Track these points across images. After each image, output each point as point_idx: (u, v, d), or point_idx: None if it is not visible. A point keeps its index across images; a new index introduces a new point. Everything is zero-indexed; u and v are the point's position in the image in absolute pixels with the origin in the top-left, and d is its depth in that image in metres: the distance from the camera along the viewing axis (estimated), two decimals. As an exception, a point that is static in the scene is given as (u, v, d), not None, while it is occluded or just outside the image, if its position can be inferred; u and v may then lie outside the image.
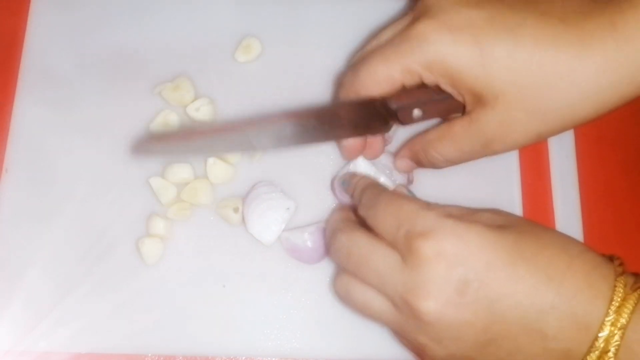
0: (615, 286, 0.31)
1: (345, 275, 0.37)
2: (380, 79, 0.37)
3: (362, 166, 0.42)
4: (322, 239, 0.43)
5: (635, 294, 0.31)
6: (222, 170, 0.45)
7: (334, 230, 0.38)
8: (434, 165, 0.41)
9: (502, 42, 0.34)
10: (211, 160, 0.45)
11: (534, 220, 0.36)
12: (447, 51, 0.35)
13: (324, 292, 0.44)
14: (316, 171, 0.46)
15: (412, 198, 0.36)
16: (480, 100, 0.36)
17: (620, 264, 0.33)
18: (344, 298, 0.38)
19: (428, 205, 0.35)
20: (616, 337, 0.31)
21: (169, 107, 0.47)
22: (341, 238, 0.37)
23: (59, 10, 0.49)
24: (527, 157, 0.48)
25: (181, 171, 0.45)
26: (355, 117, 0.40)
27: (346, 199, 0.43)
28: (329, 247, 0.39)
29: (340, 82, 0.40)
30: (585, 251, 0.34)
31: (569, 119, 0.35)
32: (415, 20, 0.36)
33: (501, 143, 0.37)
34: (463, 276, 0.32)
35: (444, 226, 0.33)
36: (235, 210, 0.44)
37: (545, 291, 0.32)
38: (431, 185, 0.46)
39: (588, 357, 0.31)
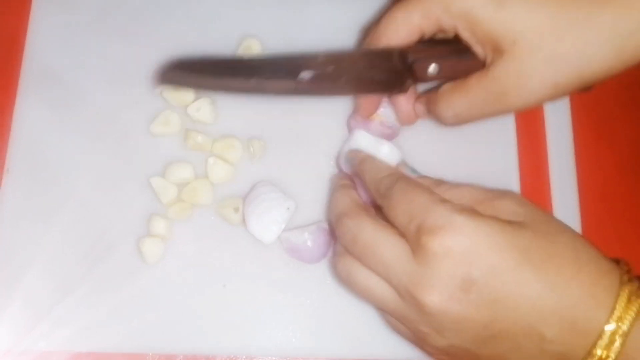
0: (619, 295, 0.32)
1: (349, 258, 0.37)
2: (399, 26, 0.37)
3: (362, 138, 0.41)
4: (322, 238, 0.43)
5: (638, 303, 0.31)
6: (223, 170, 0.45)
7: (339, 214, 0.38)
8: (441, 118, 0.40)
9: None
10: (211, 160, 0.45)
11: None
12: None
13: (324, 291, 0.44)
14: (316, 171, 0.46)
15: (427, 190, 0.35)
16: (497, 48, 0.36)
17: (628, 271, 0.33)
18: (345, 280, 0.37)
19: (442, 199, 0.34)
20: (616, 344, 0.31)
21: (169, 107, 0.47)
22: (348, 223, 0.36)
23: (60, 11, 0.49)
24: (526, 157, 0.48)
25: (181, 171, 0.45)
26: (371, 66, 0.39)
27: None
28: (335, 230, 0.38)
29: (364, 32, 0.40)
30: (595, 259, 0.33)
31: (586, 68, 0.35)
32: None
33: (516, 94, 0.36)
34: (468, 275, 0.32)
35: (454, 223, 0.32)
36: (236, 210, 0.44)
37: (548, 298, 0.32)
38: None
39: None
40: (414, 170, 0.41)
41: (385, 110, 0.44)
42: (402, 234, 0.34)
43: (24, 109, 0.47)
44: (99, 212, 0.45)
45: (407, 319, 0.35)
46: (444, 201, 0.34)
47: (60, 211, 0.45)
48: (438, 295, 0.32)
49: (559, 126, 0.49)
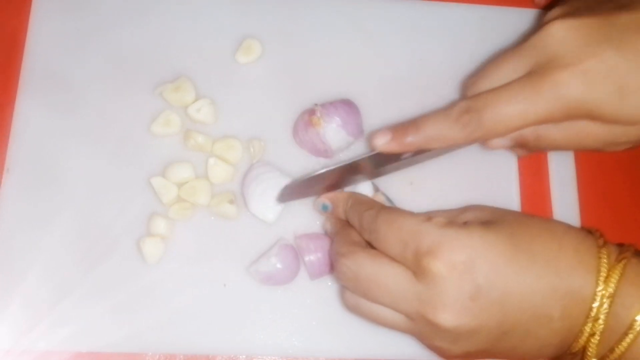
0: (599, 257, 0.34)
1: (354, 294, 0.38)
2: (509, 123, 0.38)
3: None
4: (289, 255, 0.43)
5: (620, 264, 0.34)
6: (223, 170, 0.45)
7: (337, 255, 0.38)
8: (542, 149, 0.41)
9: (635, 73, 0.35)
10: (212, 161, 0.45)
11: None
12: (585, 94, 0.36)
13: (324, 291, 0.44)
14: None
15: (409, 213, 0.37)
16: None
17: (600, 236, 0.35)
18: (354, 311, 0.39)
19: (426, 217, 0.36)
20: (605, 305, 0.33)
21: (169, 108, 0.47)
22: (346, 262, 0.37)
23: (60, 12, 0.49)
24: (526, 157, 0.48)
25: (182, 171, 0.45)
26: None
27: None
28: (335, 273, 0.39)
29: (462, 123, 0.38)
30: (569, 228, 0.36)
31: None
32: (545, 67, 0.37)
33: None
34: (474, 282, 0.33)
35: (448, 238, 0.34)
36: (231, 202, 0.44)
37: (546, 276, 0.34)
38: (429, 185, 0.46)
39: (585, 327, 0.34)
40: (388, 200, 0.43)
41: (326, 128, 0.45)
42: (399, 262, 0.35)
43: (24, 109, 0.47)
44: (99, 212, 0.45)
45: (421, 336, 0.36)
46: (429, 219, 0.35)
47: (60, 210, 0.45)
48: (450, 312, 0.33)
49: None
